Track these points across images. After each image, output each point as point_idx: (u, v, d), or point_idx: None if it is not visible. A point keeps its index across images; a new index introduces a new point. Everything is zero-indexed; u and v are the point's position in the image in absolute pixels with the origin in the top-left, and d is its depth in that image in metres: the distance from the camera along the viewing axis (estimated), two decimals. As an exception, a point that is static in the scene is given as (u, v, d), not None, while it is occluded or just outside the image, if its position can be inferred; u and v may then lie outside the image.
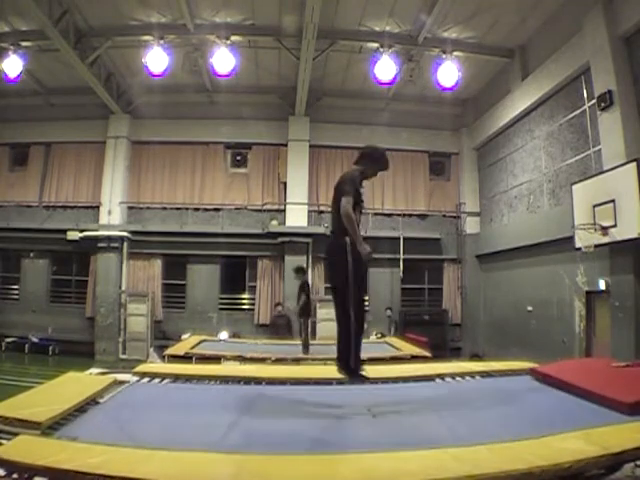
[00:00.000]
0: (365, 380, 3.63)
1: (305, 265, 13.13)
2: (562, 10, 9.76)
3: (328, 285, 3.80)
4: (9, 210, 13.93)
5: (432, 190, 14.56)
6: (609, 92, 8.17)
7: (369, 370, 5.23)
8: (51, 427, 2.96)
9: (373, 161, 3.81)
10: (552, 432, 2.83)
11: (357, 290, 3.47)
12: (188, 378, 4.60)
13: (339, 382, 4.52)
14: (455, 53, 11.10)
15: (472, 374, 4.83)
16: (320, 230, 13.24)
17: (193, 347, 7.52)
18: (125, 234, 13.42)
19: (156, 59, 10.69)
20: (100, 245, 13.35)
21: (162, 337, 12.93)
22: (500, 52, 11.69)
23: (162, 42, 10.64)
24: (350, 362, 3.51)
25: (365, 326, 3.66)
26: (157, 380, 4.54)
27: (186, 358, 6.79)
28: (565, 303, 9.83)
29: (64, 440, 2.74)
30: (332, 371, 5.01)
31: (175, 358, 6.83)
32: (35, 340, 13.16)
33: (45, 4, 9.34)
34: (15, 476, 2.38)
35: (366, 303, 13.83)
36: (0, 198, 14.06)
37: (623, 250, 7.89)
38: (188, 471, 2.38)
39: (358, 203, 3.61)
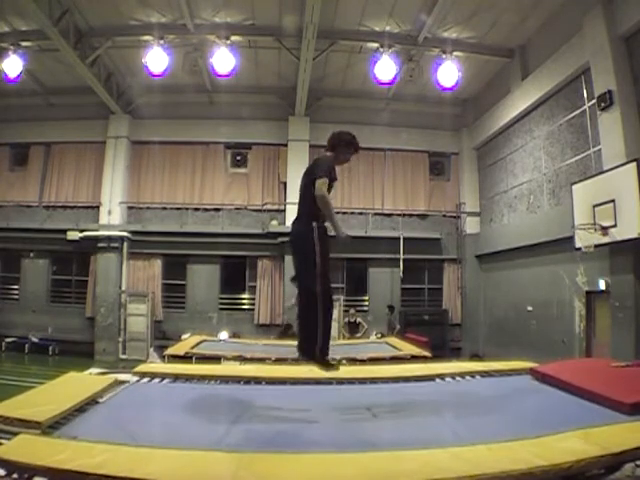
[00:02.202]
0: (334, 367, 3.42)
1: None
2: (562, 10, 9.76)
3: (294, 271, 3.61)
4: (9, 210, 13.93)
5: (432, 190, 14.56)
6: (609, 92, 8.17)
7: (368, 370, 5.23)
8: (51, 427, 2.96)
9: (344, 145, 3.76)
10: (552, 432, 2.82)
11: (325, 275, 3.37)
12: (188, 378, 4.59)
13: (339, 382, 4.52)
14: (455, 53, 11.09)
15: (472, 374, 4.82)
16: (320, 230, 13.23)
17: (193, 347, 7.51)
18: (125, 234, 13.42)
19: (156, 59, 10.70)
20: (100, 245, 13.35)
21: (162, 337, 12.93)
22: (500, 52, 11.69)
23: (162, 42, 10.64)
24: (316, 349, 3.33)
25: (333, 313, 3.48)
26: (157, 380, 4.54)
27: (186, 358, 6.78)
28: (565, 303, 9.83)
29: (64, 440, 2.74)
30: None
31: (175, 358, 6.82)
32: (35, 340, 13.16)
33: (45, 4, 9.34)
34: (15, 476, 2.38)
35: (366, 303, 13.86)
36: (0, 198, 14.06)
37: (623, 250, 7.89)
38: (188, 470, 2.38)
39: (332, 185, 3.56)
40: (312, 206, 3.42)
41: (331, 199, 3.49)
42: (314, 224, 3.41)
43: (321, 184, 3.34)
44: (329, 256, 3.44)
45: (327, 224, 3.54)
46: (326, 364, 3.34)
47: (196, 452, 2.58)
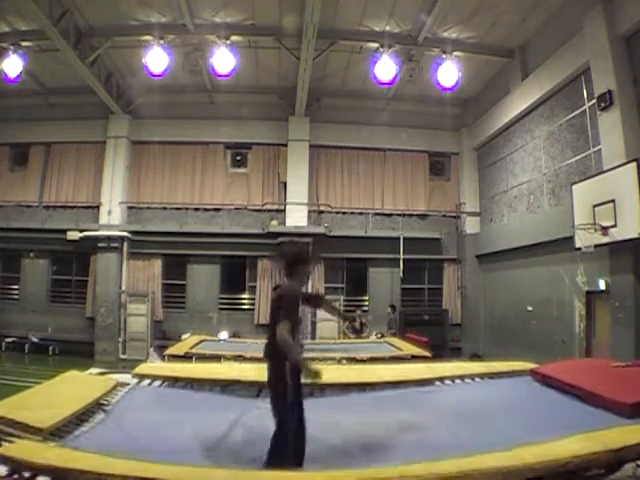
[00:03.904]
0: None
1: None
2: (562, 10, 9.76)
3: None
4: (9, 210, 13.92)
5: (432, 190, 14.55)
6: (609, 92, 8.16)
7: (368, 370, 5.22)
8: (52, 433, 2.95)
9: (301, 265, 3.58)
10: (552, 433, 2.82)
11: (292, 417, 3.21)
12: (188, 382, 4.58)
13: (340, 387, 4.52)
14: (455, 53, 11.08)
15: (472, 376, 4.82)
16: (320, 230, 13.25)
17: (193, 347, 7.52)
18: (125, 234, 13.41)
19: (156, 59, 10.68)
20: (100, 245, 13.34)
21: (162, 337, 12.92)
22: (500, 52, 11.68)
23: (162, 42, 10.62)
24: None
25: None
26: (157, 383, 4.53)
27: (186, 358, 6.78)
28: (565, 303, 9.82)
29: (66, 448, 2.73)
30: (332, 373, 5.02)
31: (175, 358, 6.82)
32: (35, 340, 13.15)
33: (45, 4, 9.33)
34: (16, 477, 2.38)
35: (366, 303, 13.86)
36: (0, 198, 14.05)
37: (623, 250, 7.89)
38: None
39: (297, 322, 3.42)
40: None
41: (292, 336, 3.28)
42: (287, 364, 3.25)
43: (281, 329, 3.20)
44: (299, 395, 3.32)
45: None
46: None
47: (198, 469, 2.57)
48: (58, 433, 2.98)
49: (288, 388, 3.20)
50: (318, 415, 3.65)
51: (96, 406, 3.60)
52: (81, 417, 3.34)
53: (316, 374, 3.04)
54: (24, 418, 2.94)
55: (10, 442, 2.65)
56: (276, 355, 3.24)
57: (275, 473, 2.60)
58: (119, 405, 3.77)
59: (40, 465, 2.33)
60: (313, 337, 12.31)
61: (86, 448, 2.69)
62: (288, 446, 3.10)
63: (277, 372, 3.25)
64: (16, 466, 2.39)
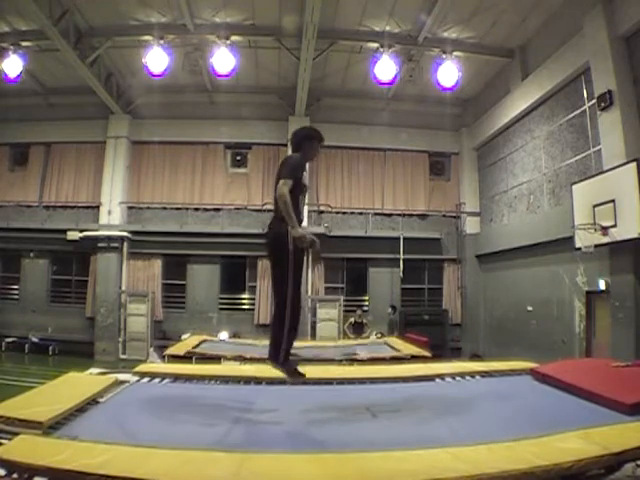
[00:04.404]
0: (298, 374, 3.38)
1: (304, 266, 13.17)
2: (562, 10, 9.76)
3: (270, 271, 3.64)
4: (9, 210, 13.92)
5: (432, 190, 14.55)
6: (609, 92, 8.16)
7: (368, 370, 5.23)
8: (52, 427, 2.96)
9: (307, 140, 3.87)
10: (552, 432, 2.82)
11: (297, 281, 3.36)
12: (188, 378, 4.60)
13: (339, 382, 4.53)
14: (455, 53, 11.09)
15: (472, 374, 4.83)
16: (320, 230, 13.24)
17: (193, 347, 7.52)
18: (125, 234, 13.41)
19: (156, 59, 10.69)
20: (100, 245, 13.34)
21: (162, 337, 12.93)
22: (500, 52, 11.68)
23: (162, 42, 10.63)
24: (280, 355, 3.32)
25: (298, 319, 3.49)
26: (157, 380, 4.54)
27: (186, 358, 6.79)
28: (565, 303, 9.83)
29: (65, 440, 2.74)
30: (332, 371, 5.03)
31: (175, 358, 6.83)
32: (35, 340, 13.15)
33: (45, 4, 9.34)
34: (15, 476, 2.38)
35: (366, 303, 13.87)
36: (0, 198, 14.06)
37: (623, 250, 7.89)
38: (189, 469, 2.38)
39: (300, 187, 3.53)
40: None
41: (296, 202, 3.45)
42: (289, 228, 3.36)
43: (282, 184, 3.36)
44: (302, 261, 3.44)
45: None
46: (290, 370, 3.35)
47: (197, 452, 2.58)
48: (57, 427, 2.99)
49: (291, 259, 3.28)
50: (314, 404, 3.67)
51: (94, 401, 3.62)
52: (80, 411, 3.35)
53: (312, 242, 3.26)
54: (24, 415, 2.95)
55: (10, 440, 2.66)
56: (282, 224, 3.32)
57: (280, 455, 2.60)
58: (118, 400, 3.78)
59: (40, 461, 2.34)
60: (313, 337, 12.31)
61: (85, 441, 2.69)
62: (287, 317, 3.27)
63: (282, 242, 3.31)
64: (15, 463, 2.39)
